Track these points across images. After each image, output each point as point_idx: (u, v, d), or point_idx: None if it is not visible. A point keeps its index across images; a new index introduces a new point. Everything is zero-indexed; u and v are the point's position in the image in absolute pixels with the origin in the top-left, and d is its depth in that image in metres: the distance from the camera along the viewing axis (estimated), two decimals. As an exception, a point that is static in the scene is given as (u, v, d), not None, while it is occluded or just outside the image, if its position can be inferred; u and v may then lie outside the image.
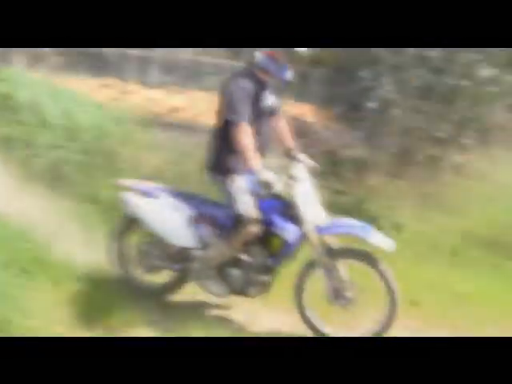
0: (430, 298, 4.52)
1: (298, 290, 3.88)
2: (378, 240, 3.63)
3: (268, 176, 3.51)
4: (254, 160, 3.53)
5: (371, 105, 6.55)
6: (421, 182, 6.07)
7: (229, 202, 3.77)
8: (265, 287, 3.91)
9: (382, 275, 3.67)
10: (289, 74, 3.73)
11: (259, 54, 3.68)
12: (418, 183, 6.03)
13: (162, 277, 4.19)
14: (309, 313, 3.90)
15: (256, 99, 3.65)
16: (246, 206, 3.68)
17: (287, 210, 3.74)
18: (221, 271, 3.91)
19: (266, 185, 3.51)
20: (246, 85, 3.61)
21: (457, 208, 5.72)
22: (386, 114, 6.52)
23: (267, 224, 3.76)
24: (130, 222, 4.16)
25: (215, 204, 3.99)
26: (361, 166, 6.22)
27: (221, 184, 3.81)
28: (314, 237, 3.68)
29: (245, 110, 3.58)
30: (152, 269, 4.19)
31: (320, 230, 3.71)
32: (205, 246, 3.88)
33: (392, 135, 6.37)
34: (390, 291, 3.66)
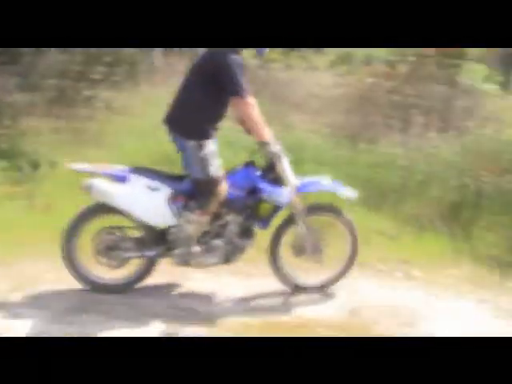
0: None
1: (274, 246, 4.08)
2: (345, 192, 4.04)
3: (277, 147, 3.77)
4: (266, 132, 3.72)
5: (27, 50, 6.61)
6: (77, 120, 6.36)
7: (192, 164, 3.74)
8: (244, 251, 3.99)
9: (347, 224, 4.09)
10: (266, 49, 3.95)
11: None
12: (75, 122, 6.31)
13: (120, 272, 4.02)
14: (285, 268, 4.12)
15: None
16: (216, 168, 3.74)
17: (268, 175, 3.90)
18: (206, 245, 3.90)
19: (276, 155, 3.75)
20: (239, 60, 3.63)
21: (111, 143, 6.12)
22: (41, 57, 6.64)
23: (253, 191, 3.89)
24: (89, 214, 3.92)
25: (185, 178, 3.87)
26: (17, 109, 6.25)
27: (189, 147, 3.71)
28: (295, 197, 3.89)
29: (246, 84, 3.61)
30: (122, 262, 3.96)
31: (298, 189, 3.91)
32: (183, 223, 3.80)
33: (48, 77, 6.51)
34: (353, 237, 4.09)
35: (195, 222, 3.79)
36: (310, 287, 4.22)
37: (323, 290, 4.24)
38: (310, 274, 4.26)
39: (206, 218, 3.82)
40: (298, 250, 4.11)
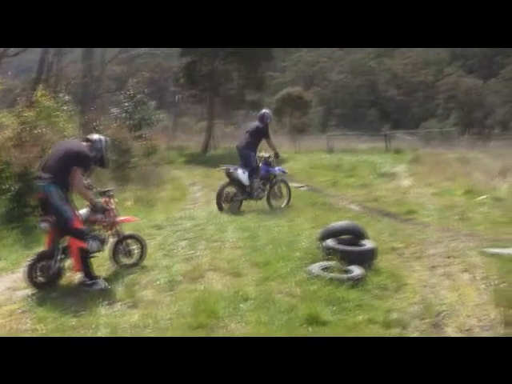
0: None
1: (268, 194, 10.58)
2: (285, 171, 11.47)
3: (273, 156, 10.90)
4: (277, 149, 11.08)
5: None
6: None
7: (252, 162, 10.23)
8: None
9: (287, 184, 11.04)
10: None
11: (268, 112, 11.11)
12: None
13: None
14: (272, 202, 10.60)
15: None
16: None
17: (269, 164, 10.58)
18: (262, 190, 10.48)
19: (275, 158, 10.84)
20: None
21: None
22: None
23: (267, 170, 10.53)
24: (229, 182, 10.14)
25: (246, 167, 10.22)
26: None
27: (249, 155, 10.23)
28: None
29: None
30: (236, 202, 10.13)
31: (278, 170, 10.97)
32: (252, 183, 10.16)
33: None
34: (288, 188, 10.97)
35: (257, 182, 10.20)
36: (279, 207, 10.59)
37: (286, 207, 10.61)
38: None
39: (259, 181, 10.30)
40: (278, 195, 10.69)
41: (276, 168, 10.74)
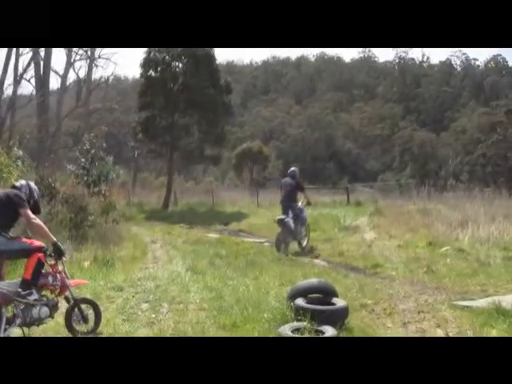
0: None
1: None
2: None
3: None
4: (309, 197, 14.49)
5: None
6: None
7: (295, 211, 12.83)
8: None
9: (308, 225, 13.85)
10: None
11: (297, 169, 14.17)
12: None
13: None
14: (302, 240, 13.28)
15: None
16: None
17: (302, 211, 13.25)
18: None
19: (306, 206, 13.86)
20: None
21: None
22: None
23: (302, 217, 13.21)
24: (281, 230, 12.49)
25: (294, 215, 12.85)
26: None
27: (292, 206, 12.86)
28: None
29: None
30: (287, 243, 12.42)
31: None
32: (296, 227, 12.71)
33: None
34: (307, 229, 13.60)
35: (299, 226, 12.93)
36: (303, 247, 12.95)
37: (306, 248, 13.00)
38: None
39: (299, 225, 13.04)
40: (304, 234, 13.30)
41: (305, 213, 13.42)
